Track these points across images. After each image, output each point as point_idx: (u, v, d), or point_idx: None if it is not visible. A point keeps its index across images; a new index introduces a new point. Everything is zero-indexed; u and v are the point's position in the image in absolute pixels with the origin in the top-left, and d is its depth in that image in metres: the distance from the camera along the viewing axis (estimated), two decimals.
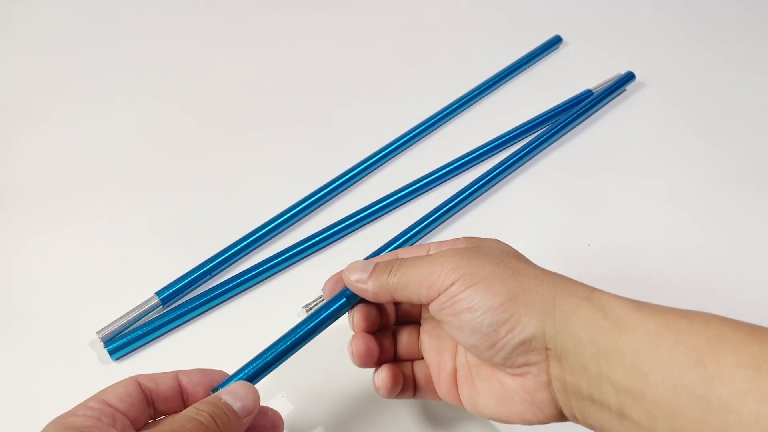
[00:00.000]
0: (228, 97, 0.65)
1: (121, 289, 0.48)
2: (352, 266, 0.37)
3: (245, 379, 0.35)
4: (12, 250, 0.51)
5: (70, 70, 0.67)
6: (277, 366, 0.36)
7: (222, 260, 0.50)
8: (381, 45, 0.72)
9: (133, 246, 0.52)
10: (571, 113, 0.62)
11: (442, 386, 0.37)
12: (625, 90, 0.67)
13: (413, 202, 0.56)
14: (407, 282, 0.34)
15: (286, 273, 0.51)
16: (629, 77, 0.66)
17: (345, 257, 0.51)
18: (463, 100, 0.64)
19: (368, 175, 0.58)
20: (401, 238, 0.51)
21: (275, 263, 0.50)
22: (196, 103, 0.64)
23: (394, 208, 0.55)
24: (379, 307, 0.39)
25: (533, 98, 0.65)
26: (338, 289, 0.38)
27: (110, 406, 0.31)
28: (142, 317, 0.46)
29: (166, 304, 0.47)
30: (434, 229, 0.54)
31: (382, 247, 0.51)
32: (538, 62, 0.70)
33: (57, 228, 0.53)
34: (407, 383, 0.38)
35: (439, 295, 0.33)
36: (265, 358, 0.36)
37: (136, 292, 0.47)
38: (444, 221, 0.54)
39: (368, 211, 0.54)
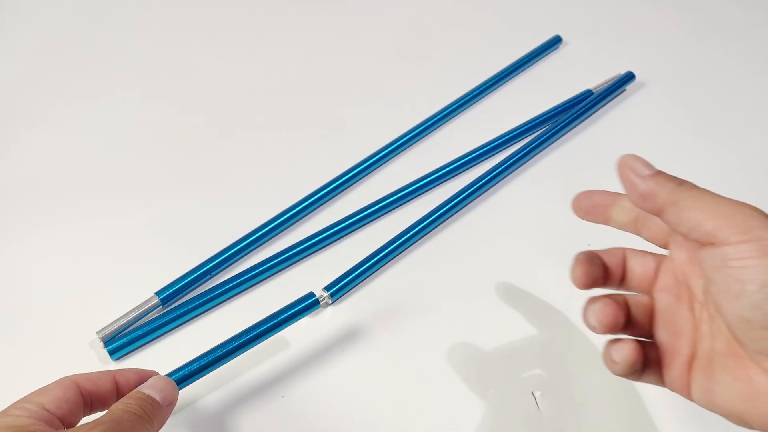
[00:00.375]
0: (228, 96, 0.65)
1: (120, 289, 0.48)
2: (633, 157, 0.32)
3: (183, 377, 0.39)
4: (12, 250, 0.51)
5: (69, 70, 0.67)
6: (213, 369, 0.41)
7: (222, 260, 0.50)
8: (381, 45, 0.72)
9: (132, 246, 0.52)
10: (571, 113, 0.62)
11: (673, 372, 0.33)
12: (625, 90, 0.67)
13: (413, 202, 0.56)
14: (694, 205, 0.29)
15: (286, 273, 0.51)
16: (629, 77, 0.66)
17: (345, 257, 0.51)
18: (463, 100, 0.64)
19: (368, 176, 0.58)
20: (401, 238, 0.51)
21: (275, 263, 0.50)
22: (196, 103, 0.64)
23: (394, 208, 0.55)
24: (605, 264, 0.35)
25: (533, 98, 0.65)
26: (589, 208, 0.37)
27: (48, 411, 0.32)
28: (142, 317, 0.46)
29: (166, 304, 0.47)
30: (434, 228, 0.54)
31: (382, 246, 0.51)
32: (538, 62, 0.70)
33: (57, 228, 0.53)
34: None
35: (726, 245, 0.28)
36: (199, 362, 0.40)
37: (136, 292, 0.47)
38: (444, 221, 0.54)
39: (368, 211, 0.54)
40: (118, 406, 0.33)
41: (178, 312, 0.46)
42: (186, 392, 0.43)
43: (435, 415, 0.43)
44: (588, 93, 0.65)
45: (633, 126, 0.63)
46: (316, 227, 0.53)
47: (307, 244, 0.51)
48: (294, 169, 0.58)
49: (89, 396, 0.35)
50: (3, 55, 0.69)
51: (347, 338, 0.46)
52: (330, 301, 0.48)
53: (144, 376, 0.37)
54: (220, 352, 0.41)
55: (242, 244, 0.51)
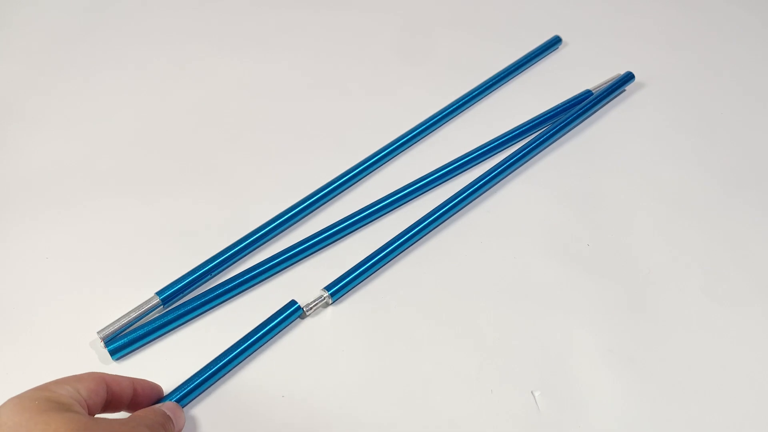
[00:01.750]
0: (228, 96, 0.65)
1: (121, 289, 0.48)
2: None
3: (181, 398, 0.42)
4: (12, 250, 0.51)
5: (70, 70, 0.67)
6: (216, 379, 0.44)
7: (222, 260, 0.50)
8: (381, 45, 0.72)
9: (133, 246, 0.52)
10: (570, 113, 0.62)
11: None
12: (624, 90, 0.67)
13: (413, 202, 0.56)
14: None
15: (287, 273, 0.51)
16: (629, 77, 0.66)
17: (345, 257, 0.51)
18: (463, 100, 0.64)
19: (368, 176, 0.58)
20: (401, 238, 0.51)
21: (275, 263, 0.50)
22: (195, 103, 0.64)
23: (394, 208, 0.55)
24: None
25: (533, 98, 0.65)
26: None
27: (82, 398, 0.34)
28: (143, 317, 0.46)
29: (167, 304, 0.47)
30: (434, 229, 0.54)
31: (382, 246, 0.51)
32: (538, 63, 0.70)
33: (57, 228, 0.53)
34: None
35: None
36: (196, 380, 0.43)
37: (137, 292, 0.47)
38: (444, 221, 0.54)
39: (368, 211, 0.54)
40: (148, 414, 0.37)
41: (179, 312, 0.46)
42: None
43: (435, 414, 0.43)
44: (587, 93, 0.65)
45: (632, 126, 0.63)
46: (316, 227, 0.53)
47: (308, 244, 0.51)
48: (294, 169, 0.58)
49: (111, 396, 0.37)
50: (4, 56, 0.69)
51: (347, 338, 0.47)
52: (330, 301, 0.48)
53: (157, 389, 0.41)
54: (212, 370, 0.43)
55: (243, 244, 0.51)
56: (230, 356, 0.44)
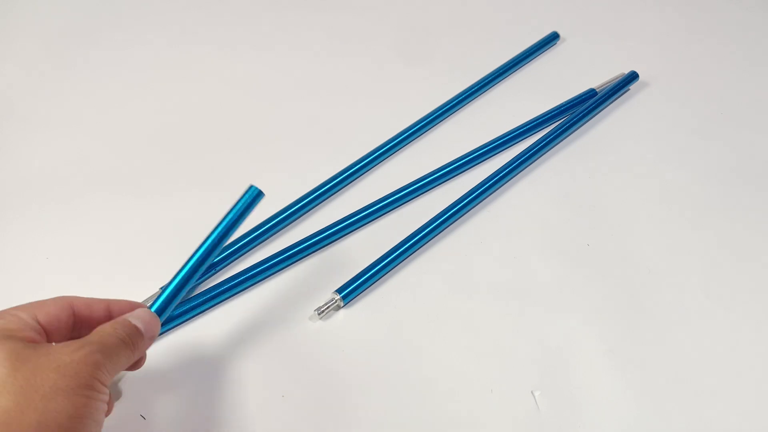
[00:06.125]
0: (227, 96, 0.65)
1: (124, 287, 0.48)
2: None
3: (162, 306, 0.39)
4: (12, 250, 0.51)
5: (71, 71, 0.67)
6: (188, 287, 0.41)
7: (225, 257, 0.50)
8: (379, 43, 0.72)
9: (136, 244, 0.52)
10: (575, 114, 0.63)
11: None
12: (628, 90, 0.67)
13: (413, 202, 0.57)
14: None
15: (289, 271, 0.51)
16: (633, 77, 0.67)
17: (346, 256, 0.52)
18: (461, 97, 0.65)
19: (368, 175, 0.59)
20: (404, 243, 0.52)
21: (277, 261, 0.51)
22: (195, 103, 0.64)
23: (394, 208, 0.56)
24: None
25: (531, 95, 0.66)
26: None
27: (39, 323, 0.33)
28: None
29: None
30: (439, 233, 0.54)
31: (391, 249, 0.51)
32: (536, 59, 0.71)
33: (57, 228, 0.53)
34: None
35: None
36: (171, 285, 0.40)
37: (140, 290, 0.47)
38: (447, 224, 0.55)
39: (368, 211, 0.54)
40: (106, 329, 0.34)
41: (182, 308, 0.47)
42: (187, 390, 0.43)
43: (435, 414, 0.44)
44: (591, 92, 0.65)
45: (636, 126, 0.64)
46: (315, 226, 0.54)
47: (307, 243, 0.52)
48: (294, 167, 0.59)
49: (80, 320, 0.35)
50: (5, 57, 0.68)
51: (349, 339, 0.47)
52: (342, 304, 0.49)
53: (136, 308, 0.38)
54: (186, 268, 0.42)
55: (243, 242, 0.51)
56: (200, 253, 0.42)
